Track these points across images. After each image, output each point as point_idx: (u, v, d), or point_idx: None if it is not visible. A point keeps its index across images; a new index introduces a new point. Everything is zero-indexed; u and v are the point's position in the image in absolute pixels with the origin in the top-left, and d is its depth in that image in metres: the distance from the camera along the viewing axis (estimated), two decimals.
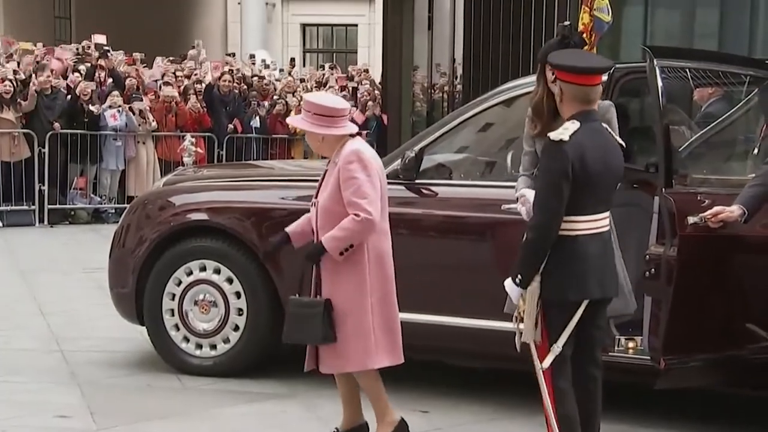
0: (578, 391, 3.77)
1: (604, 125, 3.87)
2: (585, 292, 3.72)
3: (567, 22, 4.49)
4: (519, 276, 3.71)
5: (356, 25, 26.32)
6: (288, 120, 5.05)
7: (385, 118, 13.46)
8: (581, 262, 3.69)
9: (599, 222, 3.76)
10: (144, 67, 15.27)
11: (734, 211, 4.17)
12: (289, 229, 4.44)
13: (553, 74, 3.95)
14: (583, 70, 3.77)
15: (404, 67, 13.39)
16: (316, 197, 4.30)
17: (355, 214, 4.07)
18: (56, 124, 12.25)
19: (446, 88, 16.57)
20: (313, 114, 4.19)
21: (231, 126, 13.70)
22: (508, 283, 3.76)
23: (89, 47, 15.24)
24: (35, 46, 14.88)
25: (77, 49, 15.30)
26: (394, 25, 13.33)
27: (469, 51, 15.02)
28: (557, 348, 3.71)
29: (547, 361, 3.71)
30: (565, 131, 3.67)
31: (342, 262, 4.14)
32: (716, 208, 4.18)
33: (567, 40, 4.27)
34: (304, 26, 26.83)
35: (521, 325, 3.71)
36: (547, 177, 3.71)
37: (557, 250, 3.67)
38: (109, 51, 15.07)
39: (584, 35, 6.69)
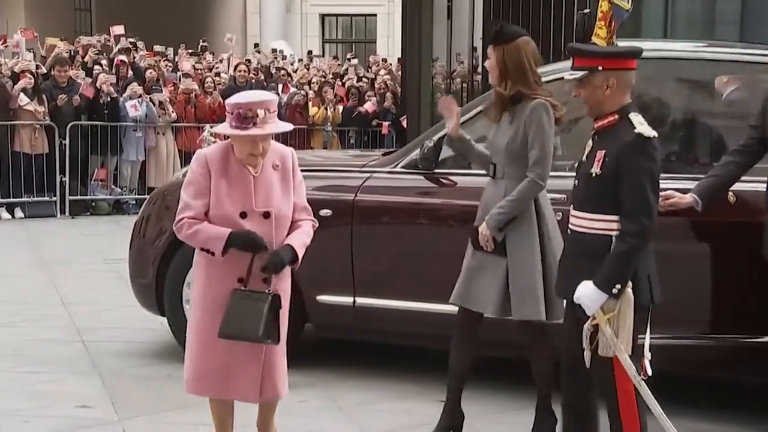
0: None
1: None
2: (662, 293, 3.56)
3: (587, 10, 4.48)
4: (618, 286, 3.43)
5: (375, 15, 26.29)
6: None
7: (403, 121, 13.38)
8: (653, 262, 3.58)
9: None
10: (164, 59, 15.33)
11: (684, 198, 4.30)
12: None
13: (596, 67, 3.55)
14: (636, 52, 3.63)
15: (423, 57, 13.35)
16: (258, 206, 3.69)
17: (312, 219, 3.83)
18: (75, 98, 12.24)
19: (466, 78, 16.52)
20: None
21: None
22: (590, 293, 3.46)
23: (108, 40, 15.33)
24: (62, 41, 14.99)
25: (96, 41, 15.39)
26: (413, 14, 13.28)
27: (488, 40, 14.97)
28: (648, 356, 3.52)
29: (635, 374, 3.48)
30: (645, 126, 3.49)
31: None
32: (667, 193, 4.21)
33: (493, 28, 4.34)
34: (323, 16, 26.82)
35: (608, 339, 3.44)
36: (646, 177, 3.45)
37: None
38: (136, 45, 15.18)
39: (603, 23, 6.62)
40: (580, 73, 3.57)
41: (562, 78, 3.95)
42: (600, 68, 3.54)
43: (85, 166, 12.63)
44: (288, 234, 3.72)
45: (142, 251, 5.85)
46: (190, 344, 3.77)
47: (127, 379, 5.44)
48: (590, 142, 3.65)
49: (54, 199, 12.40)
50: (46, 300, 7.47)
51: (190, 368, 3.77)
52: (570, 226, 3.68)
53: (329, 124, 14.32)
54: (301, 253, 3.69)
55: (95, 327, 6.60)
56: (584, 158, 3.64)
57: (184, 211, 3.66)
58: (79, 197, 12.60)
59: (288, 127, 3.74)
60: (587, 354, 3.50)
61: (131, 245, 5.97)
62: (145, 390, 5.26)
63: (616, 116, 3.56)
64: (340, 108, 14.86)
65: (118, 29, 15.61)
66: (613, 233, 3.49)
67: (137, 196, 12.84)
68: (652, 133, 3.48)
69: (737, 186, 4.49)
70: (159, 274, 5.71)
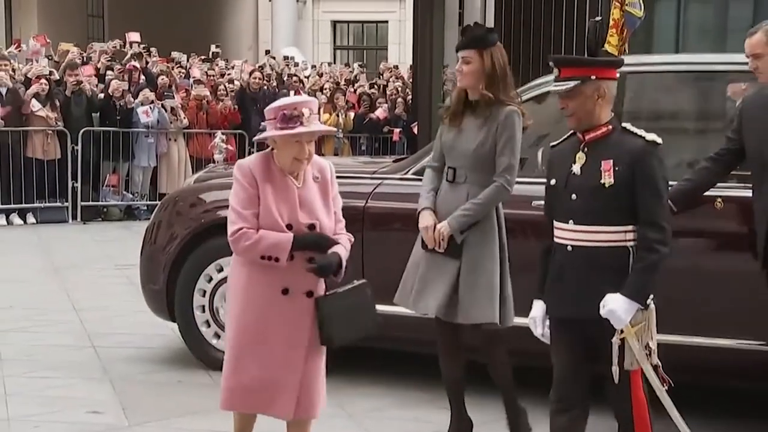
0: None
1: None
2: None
3: (598, 18, 4.48)
4: (650, 297, 3.42)
5: (387, 22, 26.31)
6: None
7: (414, 128, 13.37)
8: None
9: None
10: (178, 66, 15.38)
11: None
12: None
13: (589, 77, 3.48)
14: (619, 62, 3.64)
15: (435, 64, 13.35)
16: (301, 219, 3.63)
17: (348, 234, 3.78)
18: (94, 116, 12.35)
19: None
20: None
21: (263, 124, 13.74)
22: (620, 305, 3.37)
23: (123, 46, 15.39)
24: (76, 47, 15.06)
25: (111, 46, 15.44)
26: (424, 21, 13.28)
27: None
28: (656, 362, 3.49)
29: (659, 386, 3.46)
30: (649, 133, 3.46)
31: None
32: None
33: (465, 33, 4.31)
34: (334, 23, 26.85)
35: (635, 352, 3.40)
36: (663, 183, 3.44)
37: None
38: (150, 51, 15.24)
39: (614, 31, 6.61)
40: (571, 83, 3.48)
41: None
42: (593, 77, 3.48)
43: (97, 171, 12.68)
44: None
45: (154, 257, 5.86)
46: (229, 360, 3.68)
47: (138, 385, 5.45)
48: (580, 155, 3.53)
49: (66, 204, 12.44)
50: (58, 305, 7.49)
51: (229, 383, 3.67)
52: (567, 242, 3.53)
53: (340, 130, 14.34)
54: (344, 264, 3.62)
55: (106, 332, 6.61)
56: (577, 171, 3.52)
57: (238, 222, 3.54)
58: (90, 203, 12.64)
59: (332, 128, 3.78)
60: (616, 370, 3.41)
61: (142, 251, 5.98)
62: (156, 396, 5.26)
63: (610, 126, 3.51)
64: (352, 114, 14.88)
65: (134, 36, 15.67)
66: (629, 243, 3.44)
67: (149, 202, 12.87)
68: (660, 140, 3.46)
69: (728, 192, 4.56)
70: (170, 280, 5.72)
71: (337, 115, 14.33)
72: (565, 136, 3.67)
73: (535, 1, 13.84)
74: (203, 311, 5.68)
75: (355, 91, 16.13)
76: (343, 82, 16.88)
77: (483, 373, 4.46)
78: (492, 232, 4.30)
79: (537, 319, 3.66)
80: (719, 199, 4.62)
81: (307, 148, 3.57)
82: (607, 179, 3.44)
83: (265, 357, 3.60)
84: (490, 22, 15.23)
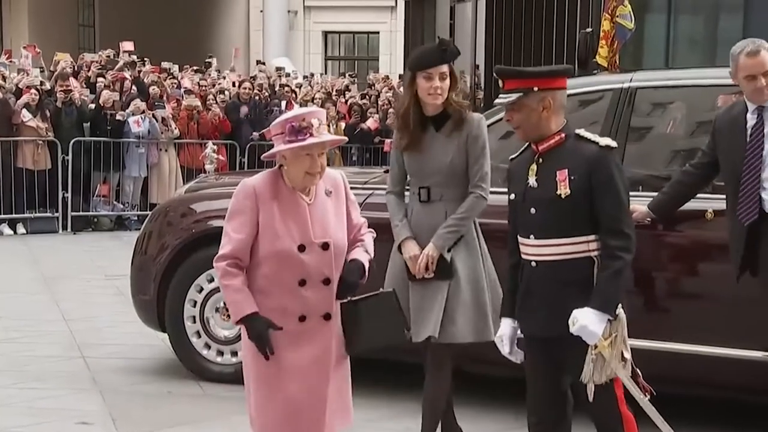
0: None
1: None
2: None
3: (589, 29, 4.48)
4: (618, 306, 3.33)
5: (378, 33, 26.36)
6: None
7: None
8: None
9: None
10: (170, 77, 15.38)
11: (641, 210, 4.46)
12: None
13: (531, 88, 3.40)
14: (568, 71, 3.57)
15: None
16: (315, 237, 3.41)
17: (371, 231, 3.63)
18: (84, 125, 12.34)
19: (467, 95, 16.49)
20: None
21: (255, 135, 13.70)
22: (590, 319, 3.27)
23: (117, 55, 15.38)
24: (72, 57, 15.07)
25: (105, 56, 15.44)
26: (415, 32, 13.34)
27: (490, 58, 15.04)
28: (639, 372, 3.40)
29: (640, 396, 3.39)
30: (604, 138, 3.42)
31: None
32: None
33: (444, 47, 4.13)
34: (325, 33, 26.89)
35: (613, 364, 3.30)
36: (622, 188, 3.36)
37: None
38: (144, 62, 15.24)
39: (604, 42, 6.63)
40: (513, 96, 3.39)
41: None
42: (535, 89, 3.38)
43: (88, 181, 12.65)
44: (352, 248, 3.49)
45: (144, 267, 5.85)
46: (254, 384, 3.43)
47: (128, 396, 5.43)
48: (534, 167, 3.45)
49: (56, 215, 12.41)
50: (47, 316, 7.47)
51: (260, 420, 3.44)
52: (530, 257, 3.45)
53: None
54: (366, 267, 3.47)
55: (96, 343, 6.59)
56: (533, 183, 3.44)
57: (226, 246, 3.34)
58: (81, 213, 12.61)
59: (343, 138, 3.58)
60: (591, 387, 3.32)
61: (133, 261, 5.97)
62: (146, 407, 5.25)
63: (563, 135, 3.42)
64: (343, 125, 14.88)
65: (128, 45, 15.66)
66: (593, 253, 3.35)
67: (139, 212, 12.85)
68: (615, 144, 3.41)
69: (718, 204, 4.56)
70: (160, 290, 5.71)
71: (328, 126, 14.33)
72: (522, 148, 3.60)
73: (525, 12, 13.89)
74: (194, 321, 5.67)
75: (346, 101, 16.15)
76: (334, 93, 16.90)
77: (479, 386, 4.46)
78: (475, 244, 4.23)
79: (504, 337, 3.58)
80: (709, 210, 4.63)
81: (319, 161, 3.34)
82: (563, 189, 3.35)
83: (292, 391, 3.38)
84: (481, 34, 15.29)
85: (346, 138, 3.58)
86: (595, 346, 3.30)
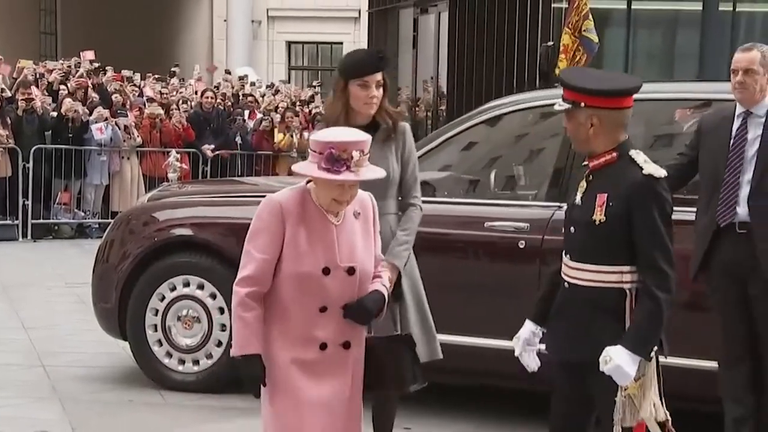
0: None
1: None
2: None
3: (550, 43, 4.54)
4: (654, 348, 3.14)
5: (341, 43, 26.38)
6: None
7: None
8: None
9: None
10: (131, 85, 15.31)
11: None
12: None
13: (579, 103, 3.22)
14: (628, 91, 3.24)
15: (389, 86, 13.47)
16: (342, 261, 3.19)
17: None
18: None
19: (430, 106, 16.63)
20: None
21: (209, 152, 13.53)
22: (624, 360, 3.07)
23: (78, 65, 15.29)
24: (35, 64, 14.94)
25: (66, 66, 15.34)
26: (378, 43, 13.41)
27: (453, 70, 15.15)
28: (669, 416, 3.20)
29: None
30: (652, 165, 3.15)
31: None
32: None
33: (381, 54, 4.04)
34: (289, 44, 26.89)
35: (645, 406, 3.13)
36: (662, 222, 3.12)
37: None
38: (105, 70, 15.17)
39: (563, 56, 6.74)
40: (566, 105, 3.26)
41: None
42: (582, 104, 3.20)
43: (49, 189, 12.56)
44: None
45: (106, 275, 5.84)
46: (273, 414, 3.21)
47: (88, 404, 5.41)
48: (583, 183, 3.28)
49: (16, 222, 12.29)
50: (7, 324, 7.41)
51: None
52: (566, 278, 3.28)
53: (295, 150, 14.35)
54: (385, 303, 3.26)
55: (56, 351, 6.55)
56: (578, 201, 3.27)
57: (246, 268, 3.17)
58: (41, 221, 12.51)
59: (382, 173, 3.20)
60: (618, 429, 3.15)
61: (94, 269, 5.96)
62: (106, 415, 5.23)
63: (614, 154, 3.21)
64: (306, 134, 14.89)
65: (89, 54, 15.59)
66: (626, 285, 3.16)
67: (100, 220, 12.77)
68: (662, 173, 3.16)
69: None
70: (122, 298, 5.69)
71: (291, 136, 14.34)
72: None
73: (488, 25, 14.02)
74: (155, 330, 5.66)
75: (310, 111, 16.16)
76: (299, 103, 16.91)
77: (463, 388, 4.49)
78: (413, 262, 4.11)
79: (520, 338, 3.41)
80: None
81: (350, 192, 3.13)
82: (599, 215, 3.17)
83: (311, 426, 3.18)
84: (444, 46, 15.40)
85: (384, 173, 3.25)
86: (625, 387, 3.14)
